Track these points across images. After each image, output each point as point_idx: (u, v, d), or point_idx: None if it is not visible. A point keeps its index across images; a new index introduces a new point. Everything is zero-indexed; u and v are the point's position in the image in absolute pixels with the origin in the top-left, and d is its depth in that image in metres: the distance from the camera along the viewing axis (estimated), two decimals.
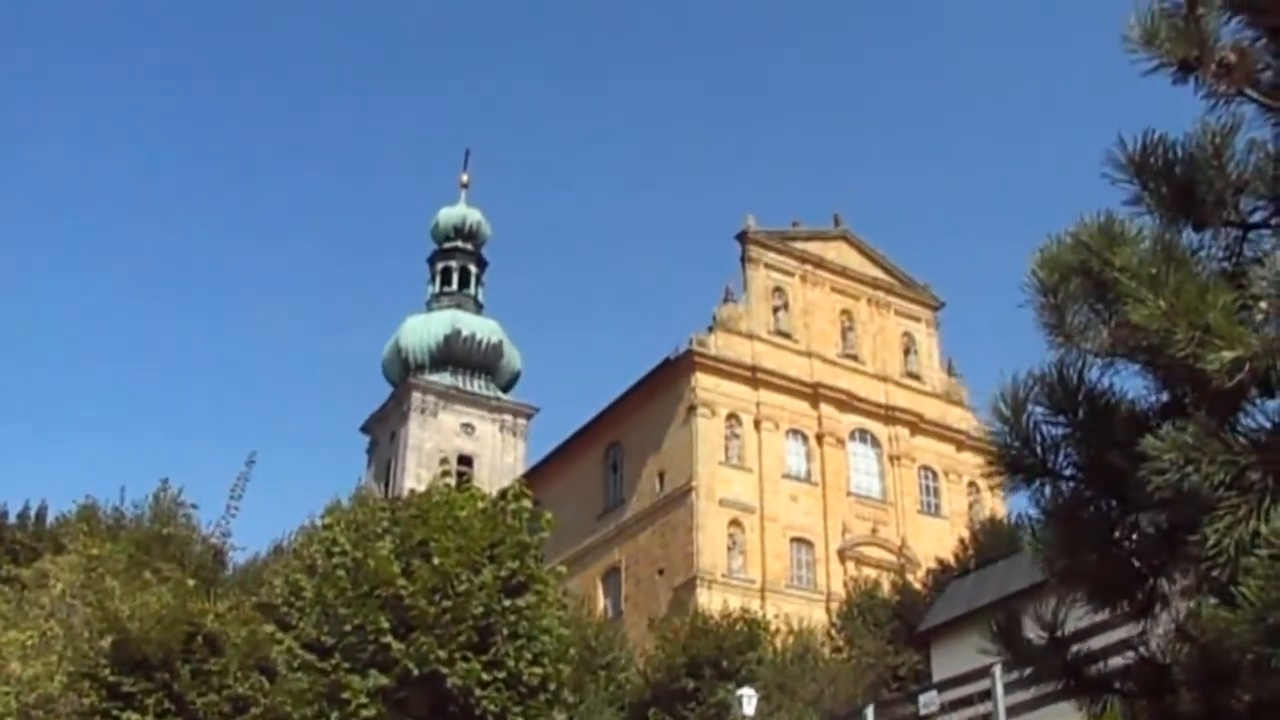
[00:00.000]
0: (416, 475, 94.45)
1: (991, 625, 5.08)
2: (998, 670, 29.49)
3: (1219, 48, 4.61)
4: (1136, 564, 4.91)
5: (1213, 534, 4.12)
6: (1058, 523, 4.92)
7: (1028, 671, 5.09)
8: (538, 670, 25.54)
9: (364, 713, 24.26)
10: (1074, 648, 5.02)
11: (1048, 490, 4.97)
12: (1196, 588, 4.79)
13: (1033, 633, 5.26)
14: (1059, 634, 5.03)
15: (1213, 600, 4.86)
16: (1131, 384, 4.99)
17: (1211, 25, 4.63)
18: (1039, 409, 4.93)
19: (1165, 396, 4.91)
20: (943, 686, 32.23)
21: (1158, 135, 4.74)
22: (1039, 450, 4.92)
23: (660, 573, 73.10)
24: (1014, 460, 4.94)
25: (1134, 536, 4.87)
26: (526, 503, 27.91)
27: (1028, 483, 4.99)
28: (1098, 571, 4.89)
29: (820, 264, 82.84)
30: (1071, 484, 4.93)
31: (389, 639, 24.61)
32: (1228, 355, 4.08)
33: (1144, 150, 4.73)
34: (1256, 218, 4.77)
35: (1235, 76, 4.57)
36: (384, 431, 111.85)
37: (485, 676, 24.62)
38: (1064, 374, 4.83)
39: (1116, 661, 5.32)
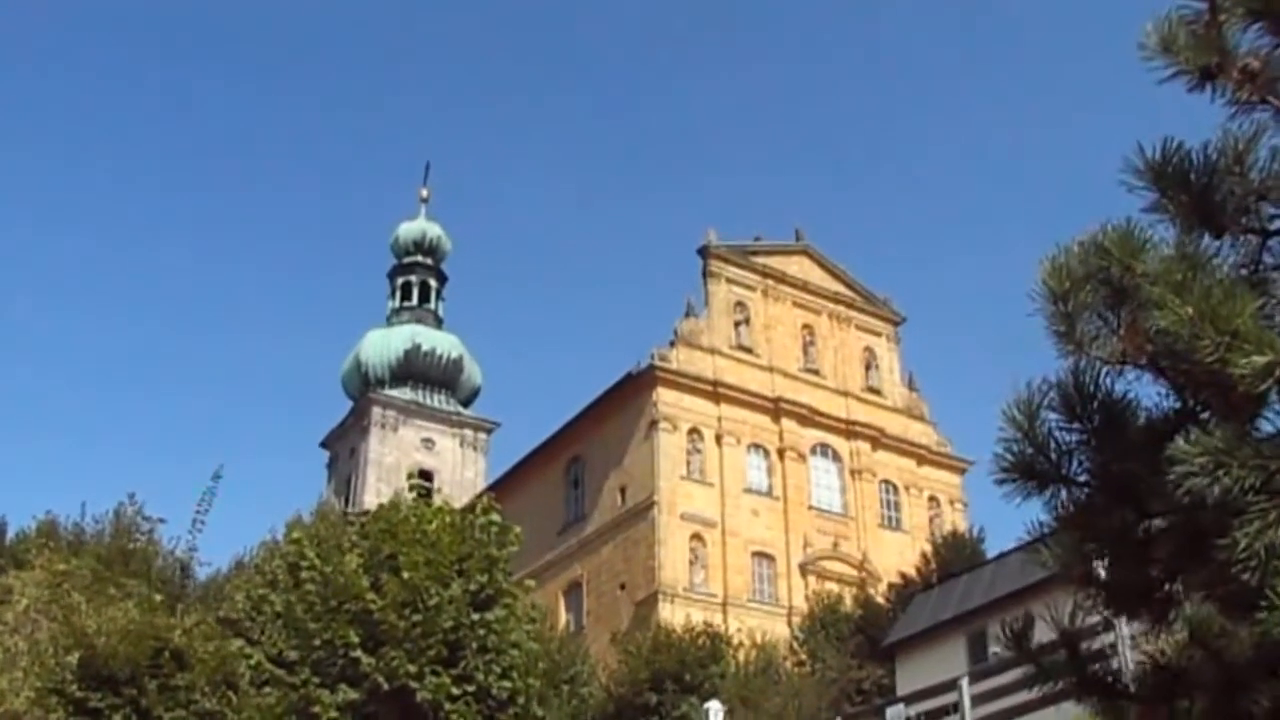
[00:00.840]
0: (377, 490, 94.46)
1: (1005, 629, 5.08)
2: (965, 683, 29.62)
3: (1240, 55, 4.65)
4: (1153, 571, 4.94)
5: (1243, 538, 4.14)
6: (1073, 529, 4.94)
7: (1038, 675, 5.08)
8: (507, 684, 25.54)
9: None
10: (1087, 652, 5.03)
11: (1062, 496, 4.98)
12: (1213, 594, 4.82)
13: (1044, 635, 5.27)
14: (1071, 638, 5.04)
15: (1221, 607, 4.91)
16: (1141, 392, 5.02)
17: (1232, 33, 4.67)
18: (1053, 415, 4.95)
19: (1176, 403, 4.93)
20: (909, 700, 32.28)
21: (1176, 143, 4.77)
22: (1053, 456, 4.94)
23: (622, 587, 73.01)
24: (1028, 466, 4.95)
25: (1150, 542, 4.90)
26: (495, 517, 27.89)
27: (1041, 489, 5.01)
28: (1114, 577, 4.92)
29: (782, 279, 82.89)
30: (1085, 490, 4.95)
31: (358, 653, 24.57)
32: (1259, 360, 4.10)
33: (1163, 157, 4.76)
34: (1277, 225, 4.81)
35: (1258, 84, 4.61)
36: (344, 446, 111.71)
37: (455, 690, 24.61)
38: (1079, 381, 4.85)
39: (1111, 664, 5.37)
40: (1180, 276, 4.43)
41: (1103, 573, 5.00)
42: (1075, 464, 4.97)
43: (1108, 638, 4.84)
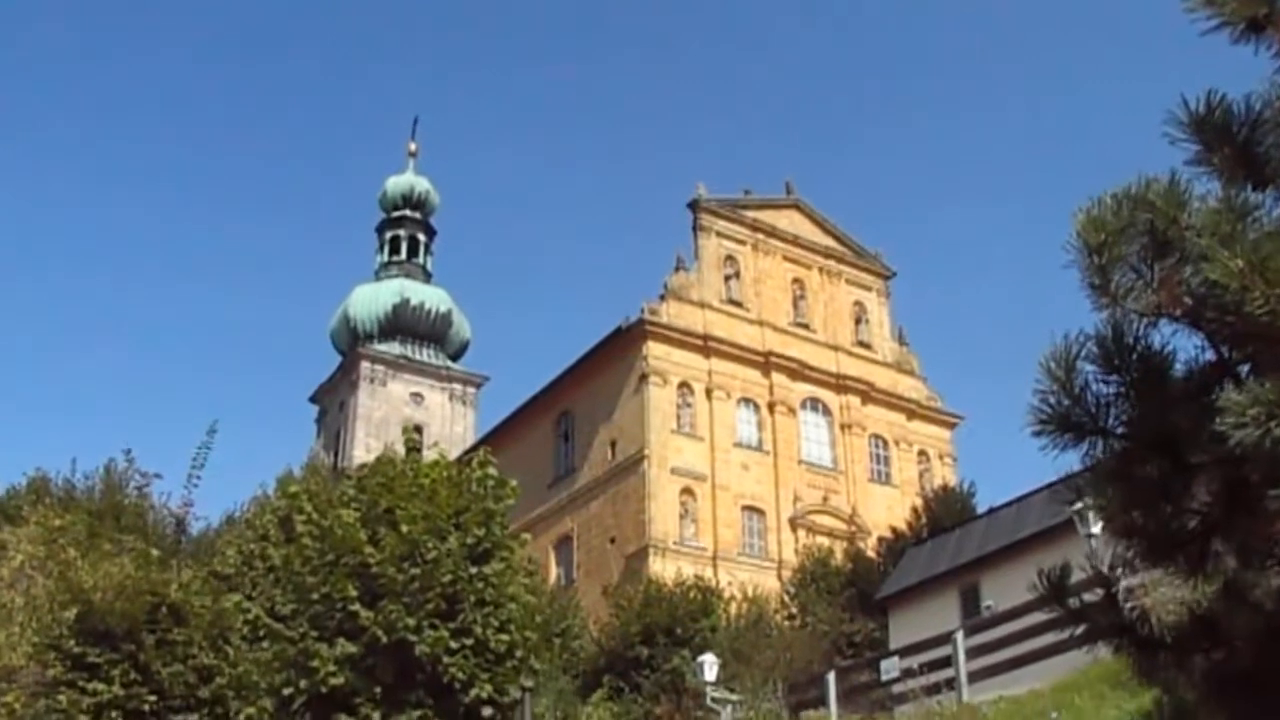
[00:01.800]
0: (366, 445, 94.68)
1: (1041, 581, 5.10)
2: (959, 637, 29.78)
3: None
4: (1190, 521, 4.96)
5: None
6: (1113, 481, 4.96)
7: (1079, 629, 5.09)
8: (504, 637, 25.52)
9: (331, 680, 24.20)
10: (1128, 605, 5.05)
11: (1099, 448, 4.99)
12: (1254, 544, 4.84)
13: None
14: (1112, 590, 5.06)
15: (1260, 557, 4.94)
16: (1176, 344, 5.03)
17: None
18: (1090, 368, 4.96)
19: (1212, 356, 4.95)
20: (903, 653, 32.45)
21: (1219, 95, 4.77)
22: (1091, 408, 4.95)
23: (612, 541, 73.20)
24: (1064, 418, 4.96)
25: (1188, 493, 4.91)
26: (492, 470, 27.88)
27: (1078, 441, 5.02)
28: (1152, 528, 4.94)
29: (772, 233, 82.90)
30: (1123, 442, 4.96)
31: (356, 607, 24.55)
32: None
33: (1206, 109, 4.76)
34: None
35: None
36: (333, 401, 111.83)
37: (453, 644, 24.59)
38: (1118, 333, 4.86)
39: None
40: (1228, 228, 4.44)
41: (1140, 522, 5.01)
42: (1112, 416, 4.97)
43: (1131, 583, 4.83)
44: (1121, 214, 4.90)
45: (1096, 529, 22.75)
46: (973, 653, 29.29)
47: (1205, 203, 4.71)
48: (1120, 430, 4.97)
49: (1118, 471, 4.93)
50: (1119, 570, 5.07)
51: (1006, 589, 30.71)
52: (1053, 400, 4.99)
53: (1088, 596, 5.19)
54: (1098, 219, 4.95)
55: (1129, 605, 5.05)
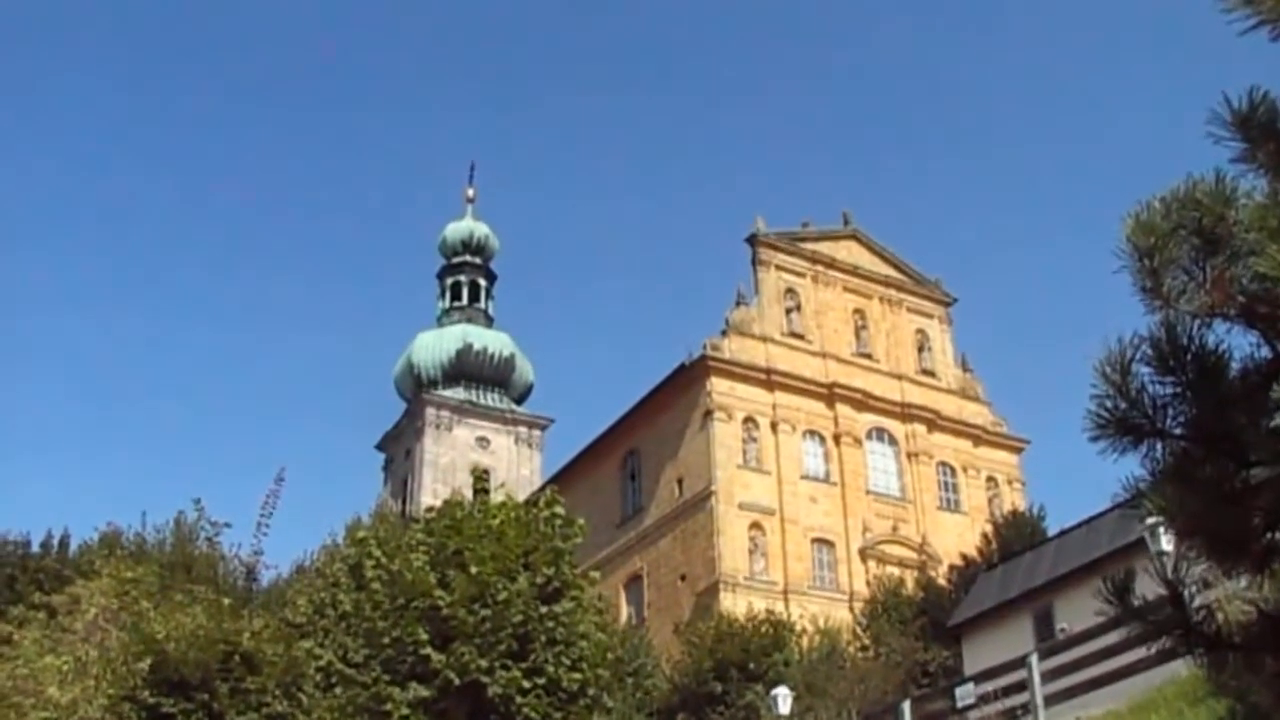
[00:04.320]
0: (433, 490, 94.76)
1: (1105, 584, 5.09)
2: (1034, 660, 29.56)
3: None
4: (1254, 520, 4.94)
5: None
6: (1174, 481, 4.94)
7: (1143, 629, 5.07)
8: (577, 676, 25.61)
9: None
10: (1194, 604, 5.03)
11: (1158, 450, 4.99)
12: None
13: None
14: (1179, 591, 5.03)
15: None
16: (1231, 343, 5.02)
17: None
18: (1145, 370, 4.96)
19: (1268, 353, 4.93)
20: (978, 679, 32.23)
21: (1262, 92, 4.77)
22: (1148, 410, 4.94)
23: (682, 578, 73.08)
24: (1122, 421, 4.95)
25: (1250, 492, 4.90)
26: (559, 509, 27.96)
27: (1136, 443, 5.01)
28: (1215, 526, 4.92)
29: (831, 264, 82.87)
30: (1182, 442, 4.96)
31: (428, 650, 24.67)
32: None
33: (1250, 107, 4.76)
34: None
35: None
36: (399, 448, 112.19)
37: (525, 684, 24.71)
38: (1173, 334, 4.85)
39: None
40: (1275, 222, 4.43)
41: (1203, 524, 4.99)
42: (1170, 417, 4.96)
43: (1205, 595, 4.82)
44: (1170, 216, 4.90)
45: (1168, 545, 22.57)
46: (1048, 676, 29.05)
47: (1251, 198, 4.71)
48: (1178, 431, 4.96)
49: (1178, 471, 4.92)
50: (1184, 568, 5.05)
51: (1080, 611, 30.46)
52: (1110, 404, 4.98)
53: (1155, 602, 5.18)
54: (1147, 223, 4.95)
55: (1195, 604, 5.03)
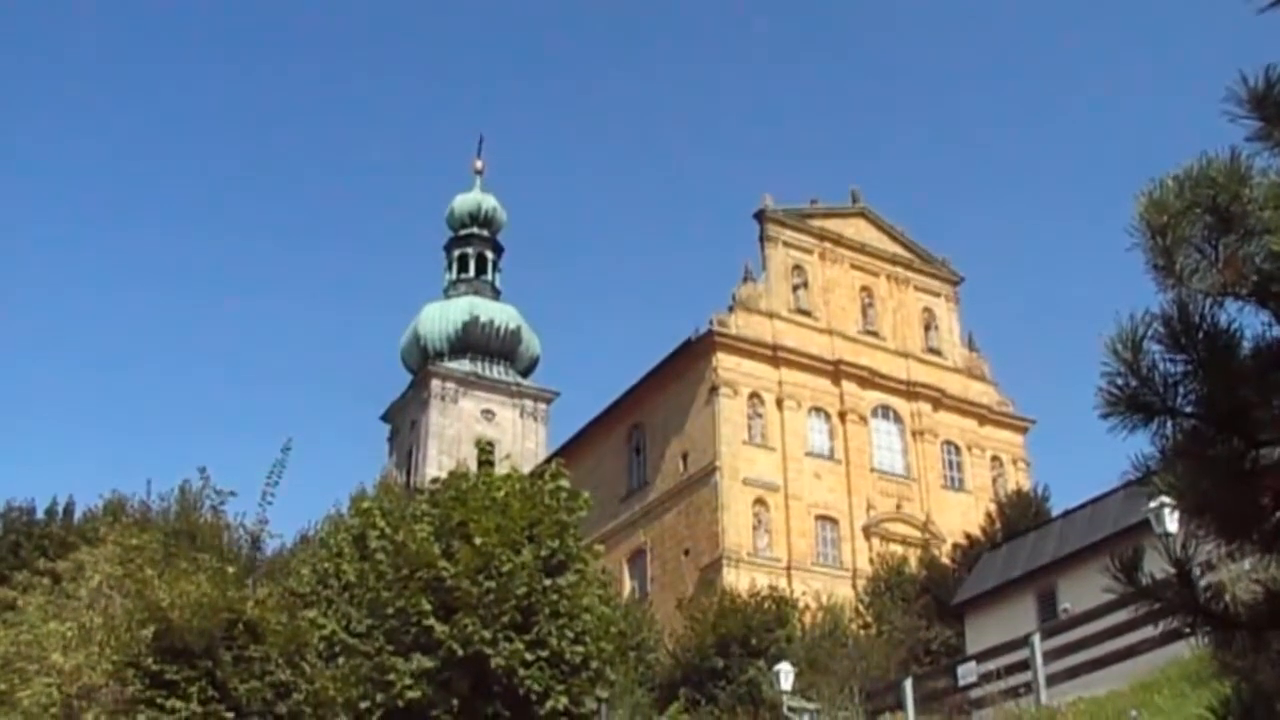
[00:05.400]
0: (438, 462, 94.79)
1: (1113, 561, 5.08)
2: (1037, 639, 29.60)
3: None
4: (1263, 498, 4.93)
5: None
6: (1184, 459, 4.94)
7: (1152, 608, 5.06)
8: (580, 649, 25.64)
9: (408, 694, 24.39)
10: (1203, 582, 5.02)
11: (1169, 428, 4.98)
12: None
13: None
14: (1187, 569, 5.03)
15: None
16: (1243, 322, 5.01)
17: None
18: (1156, 348, 4.95)
19: (1278, 332, 4.92)
20: (981, 658, 32.27)
21: (1278, 71, 4.75)
22: (1159, 388, 4.93)
23: (686, 553, 73.16)
24: (1133, 399, 4.95)
25: (1260, 471, 4.89)
26: (564, 482, 27.97)
27: (1147, 421, 5.00)
28: (1225, 505, 4.91)
29: (839, 241, 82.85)
30: (1192, 421, 4.95)
31: (432, 621, 24.69)
32: None
33: (1266, 85, 4.75)
34: None
35: None
36: (404, 420, 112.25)
37: (528, 656, 24.73)
38: (1185, 312, 4.84)
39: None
40: None
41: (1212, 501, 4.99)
42: (1181, 395, 4.96)
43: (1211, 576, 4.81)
44: (1184, 194, 4.89)
45: (1173, 526, 22.55)
46: (1051, 655, 29.09)
47: (1267, 177, 4.70)
48: (1189, 409, 4.95)
49: (1188, 450, 4.91)
50: (1191, 546, 5.04)
51: (1083, 591, 30.52)
52: (1120, 381, 4.97)
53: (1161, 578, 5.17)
54: (1160, 200, 4.94)
55: (1203, 583, 5.02)
